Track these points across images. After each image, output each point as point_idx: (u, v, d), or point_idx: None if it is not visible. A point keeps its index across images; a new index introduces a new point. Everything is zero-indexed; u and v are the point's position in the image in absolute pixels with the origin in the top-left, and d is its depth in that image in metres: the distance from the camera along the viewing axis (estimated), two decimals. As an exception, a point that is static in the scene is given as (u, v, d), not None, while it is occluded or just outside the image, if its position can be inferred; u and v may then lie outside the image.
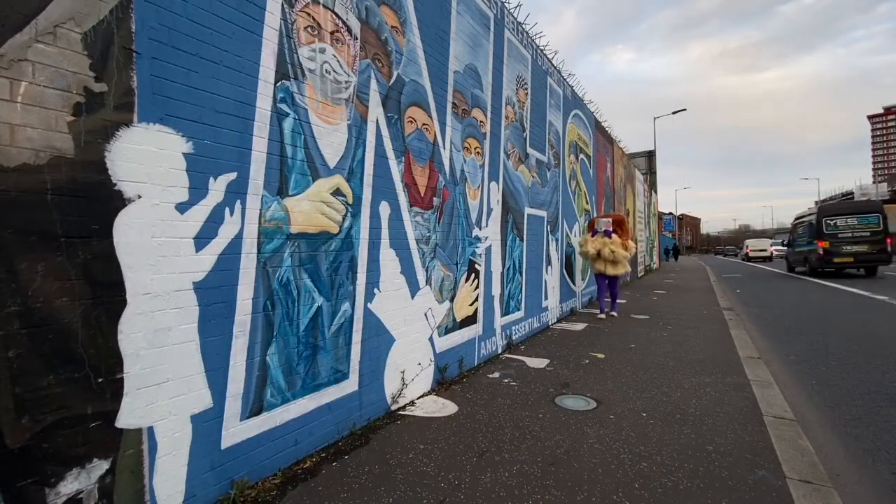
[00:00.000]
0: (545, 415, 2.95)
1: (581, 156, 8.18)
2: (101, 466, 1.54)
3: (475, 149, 4.24)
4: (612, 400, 3.22)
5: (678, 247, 40.09)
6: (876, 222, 13.02)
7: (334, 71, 2.57)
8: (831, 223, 13.48)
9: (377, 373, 2.92)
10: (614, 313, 6.84)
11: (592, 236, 6.69)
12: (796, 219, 16.88)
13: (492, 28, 4.64)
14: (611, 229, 6.60)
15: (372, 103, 2.87)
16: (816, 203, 61.76)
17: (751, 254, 30.76)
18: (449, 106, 3.78)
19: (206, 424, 1.89)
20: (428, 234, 3.48)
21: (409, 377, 3.21)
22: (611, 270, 6.57)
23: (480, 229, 4.29)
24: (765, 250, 30.37)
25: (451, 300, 3.80)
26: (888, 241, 12.80)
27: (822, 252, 13.30)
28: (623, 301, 8.75)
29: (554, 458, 2.36)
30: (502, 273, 4.76)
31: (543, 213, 6.07)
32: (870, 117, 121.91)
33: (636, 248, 11.80)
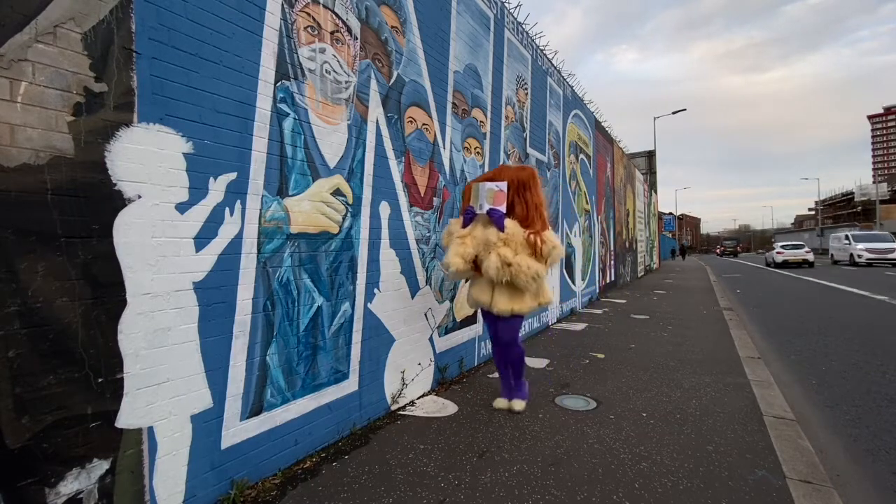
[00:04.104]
0: (545, 415, 2.95)
1: (581, 156, 8.18)
2: (101, 466, 1.54)
3: (475, 149, 4.24)
4: (612, 400, 3.22)
5: (684, 246, 39.83)
6: (803, 244, 23.15)
7: (334, 71, 2.57)
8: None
9: (377, 373, 2.91)
10: (518, 405, 3.00)
11: (466, 223, 2.87)
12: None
13: (492, 28, 4.64)
14: (502, 208, 2.75)
15: (372, 103, 2.87)
16: (816, 203, 61.79)
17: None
18: (449, 106, 3.78)
19: (206, 424, 1.89)
20: (428, 234, 3.48)
21: (409, 377, 3.21)
22: (503, 304, 2.79)
23: (480, 229, 4.26)
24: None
25: (452, 300, 3.80)
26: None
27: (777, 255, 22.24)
28: (623, 301, 8.75)
29: (554, 458, 2.36)
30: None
31: (543, 213, 6.05)
32: (870, 117, 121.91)
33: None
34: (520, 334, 2.95)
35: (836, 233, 25.17)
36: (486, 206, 2.72)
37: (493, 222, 2.72)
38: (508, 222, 2.71)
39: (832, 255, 23.83)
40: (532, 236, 2.68)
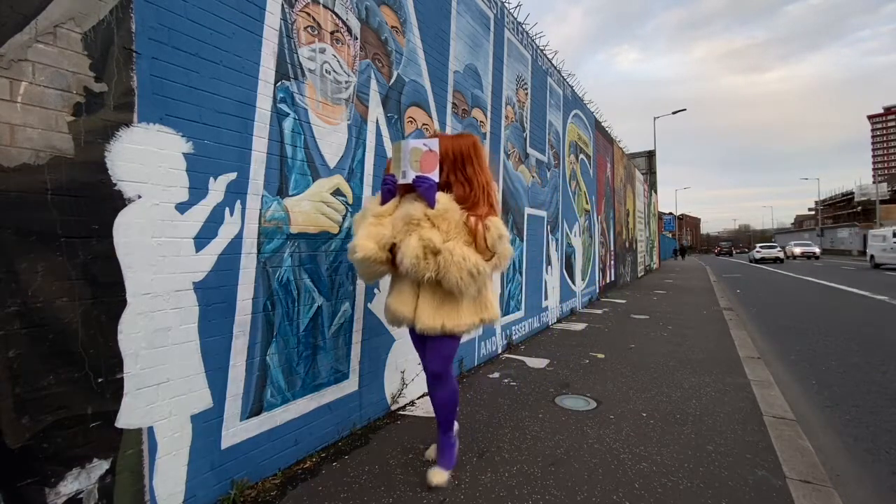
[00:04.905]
0: (545, 415, 2.95)
1: (581, 156, 8.18)
2: (101, 466, 1.54)
3: (475, 149, 4.23)
4: (612, 400, 3.22)
5: (684, 247, 44.44)
6: (777, 247, 31.30)
7: (334, 71, 2.57)
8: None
9: (377, 373, 2.92)
10: (437, 477, 2.08)
11: (385, 199, 2.08)
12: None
13: (492, 28, 4.64)
14: (433, 175, 1.97)
15: (372, 103, 2.87)
16: (817, 203, 61.74)
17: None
18: (449, 106, 3.78)
19: (206, 424, 1.89)
20: (428, 234, 3.47)
21: (409, 377, 3.21)
22: (428, 317, 1.96)
23: (480, 229, 4.26)
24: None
25: (451, 300, 3.79)
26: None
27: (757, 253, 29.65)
28: (623, 301, 8.75)
29: (554, 458, 2.36)
30: (502, 273, 4.76)
31: (543, 213, 6.06)
32: (870, 117, 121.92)
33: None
34: (454, 363, 2.10)
35: (878, 230, 21.84)
36: (412, 173, 1.93)
37: (420, 194, 1.93)
38: (441, 196, 1.93)
39: (871, 256, 20.46)
40: (473, 219, 1.92)
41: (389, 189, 2.05)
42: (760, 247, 32.31)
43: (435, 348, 2.04)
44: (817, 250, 34.96)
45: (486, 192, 2.03)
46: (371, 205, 2.11)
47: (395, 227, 1.97)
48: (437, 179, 1.96)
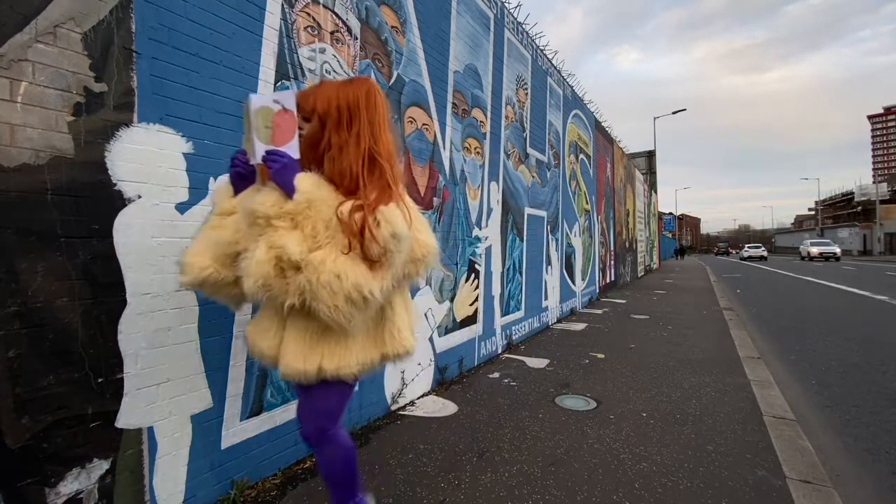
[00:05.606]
0: (545, 415, 2.95)
1: (581, 156, 8.18)
2: (101, 466, 1.54)
3: (475, 149, 4.24)
4: (612, 400, 3.22)
5: (683, 247, 46.87)
6: (761, 247, 35.97)
7: (334, 71, 2.57)
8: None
9: (377, 373, 2.92)
10: None
11: (238, 187, 1.36)
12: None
13: (492, 28, 4.64)
14: (291, 150, 1.25)
15: (372, 103, 2.86)
16: (817, 203, 61.74)
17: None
18: (449, 106, 3.78)
19: (206, 424, 1.89)
20: (428, 234, 3.47)
21: (409, 377, 3.21)
22: (294, 357, 1.28)
23: (480, 229, 4.29)
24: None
25: (451, 300, 3.80)
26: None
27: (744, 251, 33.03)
28: (623, 301, 8.75)
29: (554, 458, 2.36)
30: (502, 273, 4.76)
31: (543, 213, 6.07)
32: (870, 117, 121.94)
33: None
34: (341, 418, 1.43)
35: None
36: (260, 147, 1.25)
37: (272, 178, 1.25)
38: (305, 179, 1.24)
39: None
40: (355, 211, 1.22)
41: (240, 172, 1.33)
42: (749, 247, 38.81)
43: (310, 400, 1.38)
44: (837, 250, 30.57)
45: (380, 166, 1.30)
46: (219, 197, 1.38)
47: (240, 230, 1.29)
48: (296, 154, 1.26)
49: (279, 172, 1.23)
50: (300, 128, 1.29)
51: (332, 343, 1.29)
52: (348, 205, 1.22)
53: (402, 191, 1.35)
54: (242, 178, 1.34)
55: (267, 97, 1.30)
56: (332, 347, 1.29)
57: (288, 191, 1.22)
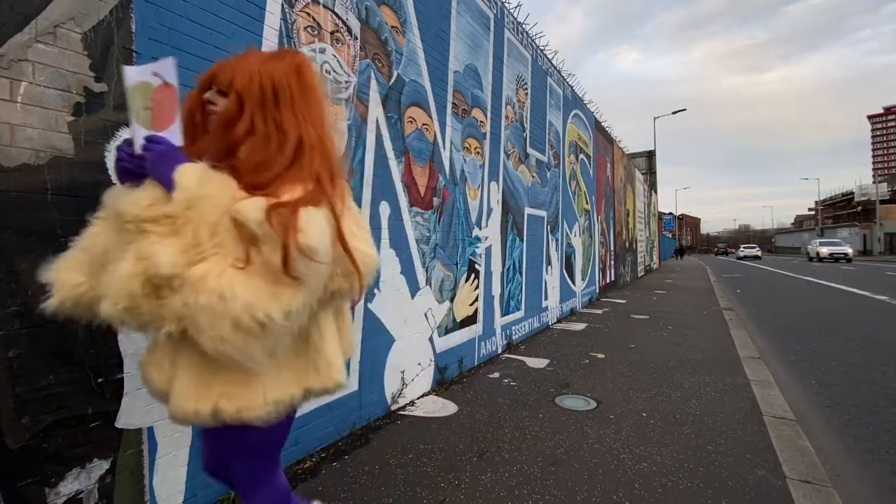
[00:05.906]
0: (545, 415, 2.95)
1: (581, 156, 8.18)
2: (101, 466, 1.54)
3: (475, 149, 4.24)
4: (612, 400, 3.22)
5: (683, 247, 47.82)
6: (755, 247, 39.06)
7: (334, 71, 2.57)
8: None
9: (377, 373, 2.91)
10: None
11: (124, 176, 1.03)
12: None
13: (492, 28, 4.64)
14: (171, 134, 1.01)
15: (372, 103, 2.87)
16: (817, 203, 61.76)
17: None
18: (449, 106, 3.78)
19: (206, 424, 1.89)
20: (428, 234, 3.48)
21: (409, 377, 3.21)
22: (184, 395, 0.96)
23: (480, 229, 4.29)
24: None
25: (451, 300, 3.80)
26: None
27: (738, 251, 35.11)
28: (623, 301, 8.75)
29: (554, 458, 2.36)
30: (502, 273, 4.76)
31: (543, 213, 6.07)
32: (870, 117, 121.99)
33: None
34: (274, 482, 1.24)
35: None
36: (141, 132, 1.02)
37: (150, 171, 0.99)
38: (188, 171, 0.96)
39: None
40: (262, 208, 0.92)
41: (125, 167, 1.03)
42: (744, 247, 40.97)
43: (219, 446, 1.23)
44: (849, 250, 28.29)
45: (309, 154, 1.06)
46: (111, 198, 1.03)
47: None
48: (177, 139, 1.03)
49: (157, 162, 0.98)
50: (212, 102, 1.07)
51: (234, 378, 0.97)
52: (253, 203, 0.92)
53: (341, 188, 1.09)
54: (130, 173, 1.02)
55: (145, 69, 1.03)
56: (232, 385, 0.97)
57: (168, 187, 0.95)
